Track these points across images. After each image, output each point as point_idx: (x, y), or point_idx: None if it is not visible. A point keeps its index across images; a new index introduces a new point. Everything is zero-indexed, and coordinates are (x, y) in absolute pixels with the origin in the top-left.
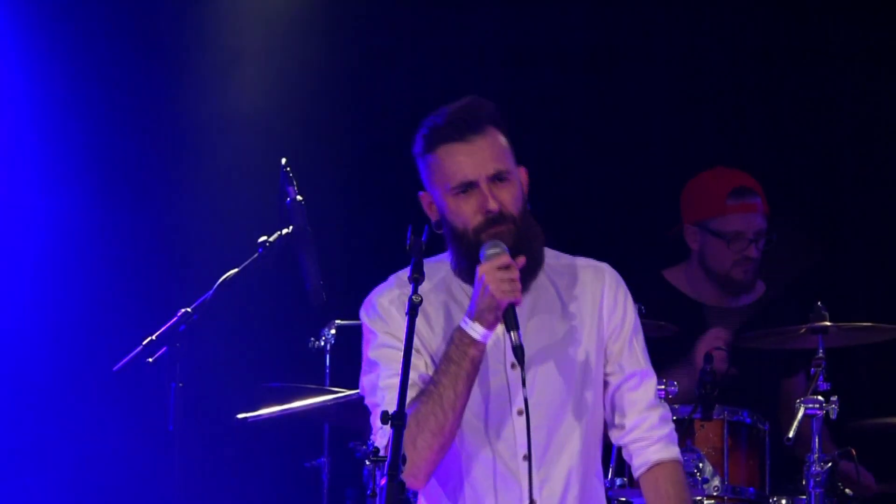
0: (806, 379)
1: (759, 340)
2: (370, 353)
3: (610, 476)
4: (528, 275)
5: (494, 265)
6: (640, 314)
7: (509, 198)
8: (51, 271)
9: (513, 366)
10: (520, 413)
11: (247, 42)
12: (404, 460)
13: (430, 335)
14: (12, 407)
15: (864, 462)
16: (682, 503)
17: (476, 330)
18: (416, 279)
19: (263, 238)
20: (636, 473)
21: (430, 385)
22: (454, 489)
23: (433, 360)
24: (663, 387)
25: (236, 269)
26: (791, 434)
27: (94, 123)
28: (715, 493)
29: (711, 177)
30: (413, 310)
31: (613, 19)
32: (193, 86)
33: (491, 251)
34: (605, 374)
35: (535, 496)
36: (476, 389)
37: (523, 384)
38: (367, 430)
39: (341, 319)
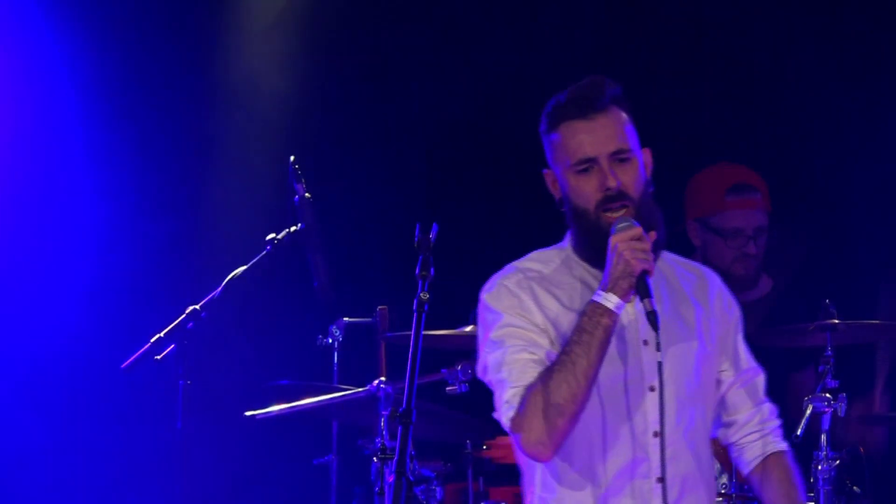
0: (814, 373)
1: (768, 338)
2: (494, 333)
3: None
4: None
5: (628, 235)
6: None
7: (630, 178)
8: (57, 268)
9: (644, 342)
10: (651, 389)
11: (258, 42)
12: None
13: (559, 311)
14: (21, 405)
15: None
16: (800, 488)
17: (610, 300)
18: (424, 276)
19: (272, 235)
20: (748, 467)
21: (561, 356)
22: (584, 465)
23: (560, 338)
24: None
25: (244, 267)
26: (799, 432)
27: (96, 121)
28: (723, 491)
29: (713, 173)
30: (420, 307)
31: (618, 13)
32: (203, 84)
33: (621, 225)
34: (718, 372)
35: (664, 473)
36: (608, 365)
37: (657, 348)
38: (374, 427)
39: (349, 317)
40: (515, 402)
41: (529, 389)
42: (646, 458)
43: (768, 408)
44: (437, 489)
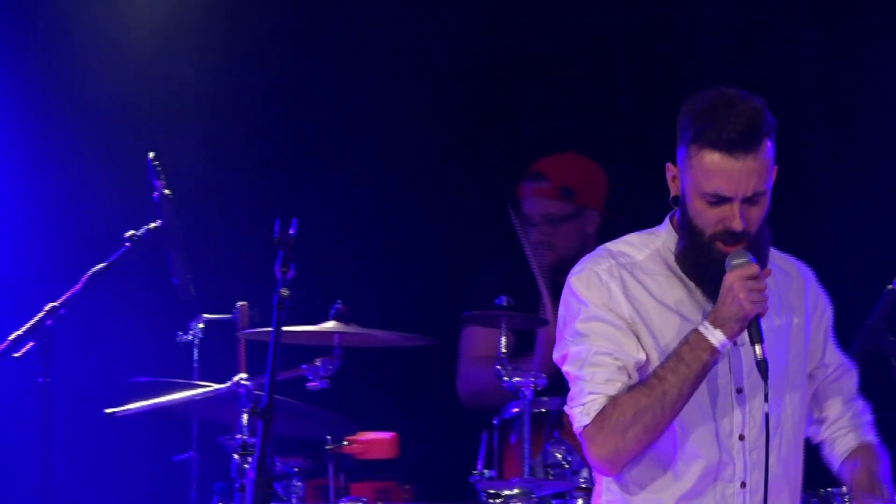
0: None
1: None
2: (579, 324)
3: (478, 467)
4: None
5: (744, 275)
6: (510, 306)
7: (755, 218)
8: None
9: (735, 343)
10: (738, 391)
11: (115, 34)
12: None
13: (649, 303)
14: None
15: None
16: (885, 473)
17: (717, 337)
18: (284, 272)
19: (131, 232)
20: (838, 461)
21: (652, 379)
22: (667, 464)
23: (650, 333)
24: (532, 379)
25: (104, 264)
26: None
27: None
28: (583, 485)
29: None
30: (280, 303)
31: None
32: (61, 74)
33: (737, 261)
34: (810, 370)
35: (746, 478)
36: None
37: (765, 399)
38: (234, 423)
39: (209, 313)
40: (592, 411)
41: (611, 405)
42: (731, 461)
43: (860, 405)
44: (298, 485)
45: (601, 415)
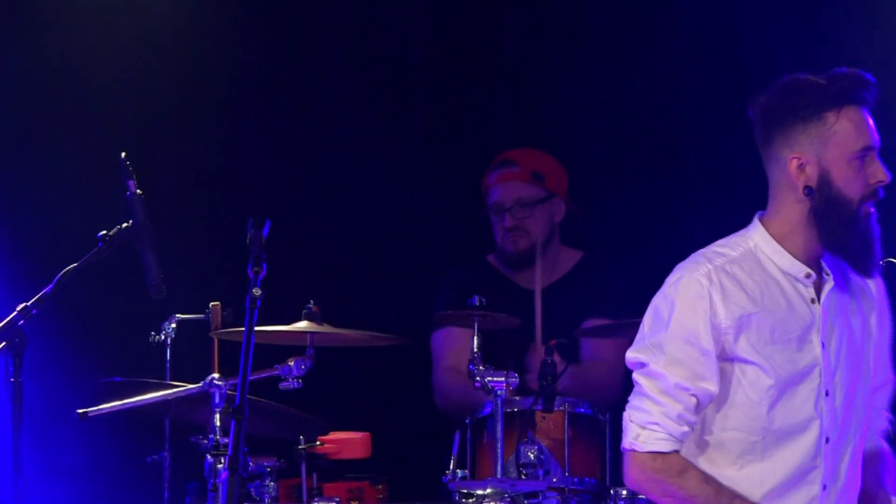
0: None
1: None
2: (667, 339)
3: (451, 467)
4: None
5: None
6: (481, 305)
7: None
8: None
9: (820, 346)
10: (826, 394)
11: (86, 31)
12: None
13: (746, 306)
14: None
15: None
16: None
17: None
18: (256, 272)
19: (103, 232)
20: None
21: (725, 493)
22: (751, 464)
23: (749, 333)
24: (503, 378)
25: (76, 264)
26: None
27: None
28: (556, 485)
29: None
30: (252, 303)
31: None
32: (32, 72)
33: None
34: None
35: (828, 481)
36: (788, 364)
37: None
38: (207, 423)
39: (181, 313)
40: (650, 442)
41: (677, 463)
42: (816, 465)
43: (886, 416)
44: (271, 485)
45: (662, 461)
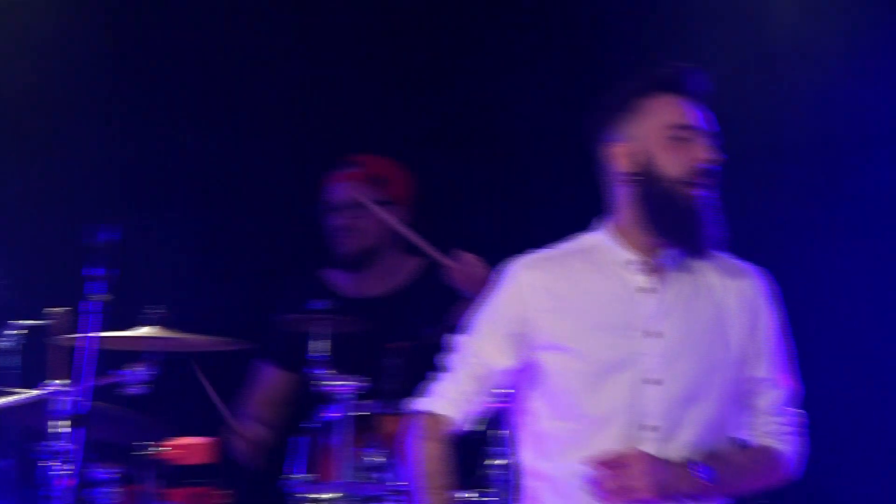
0: None
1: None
2: (480, 316)
3: (294, 472)
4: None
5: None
6: (324, 309)
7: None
8: None
9: (646, 334)
10: (645, 382)
11: None
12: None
13: (574, 290)
14: None
15: None
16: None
17: None
18: (101, 277)
19: None
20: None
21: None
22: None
23: (571, 316)
24: (348, 382)
25: None
26: None
27: None
28: (399, 488)
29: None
30: (97, 309)
31: None
32: None
33: None
34: (746, 376)
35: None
36: (605, 351)
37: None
38: (48, 430)
39: (23, 319)
40: (422, 404)
41: (430, 422)
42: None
43: (774, 420)
44: (115, 492)
45: (427, 419)
